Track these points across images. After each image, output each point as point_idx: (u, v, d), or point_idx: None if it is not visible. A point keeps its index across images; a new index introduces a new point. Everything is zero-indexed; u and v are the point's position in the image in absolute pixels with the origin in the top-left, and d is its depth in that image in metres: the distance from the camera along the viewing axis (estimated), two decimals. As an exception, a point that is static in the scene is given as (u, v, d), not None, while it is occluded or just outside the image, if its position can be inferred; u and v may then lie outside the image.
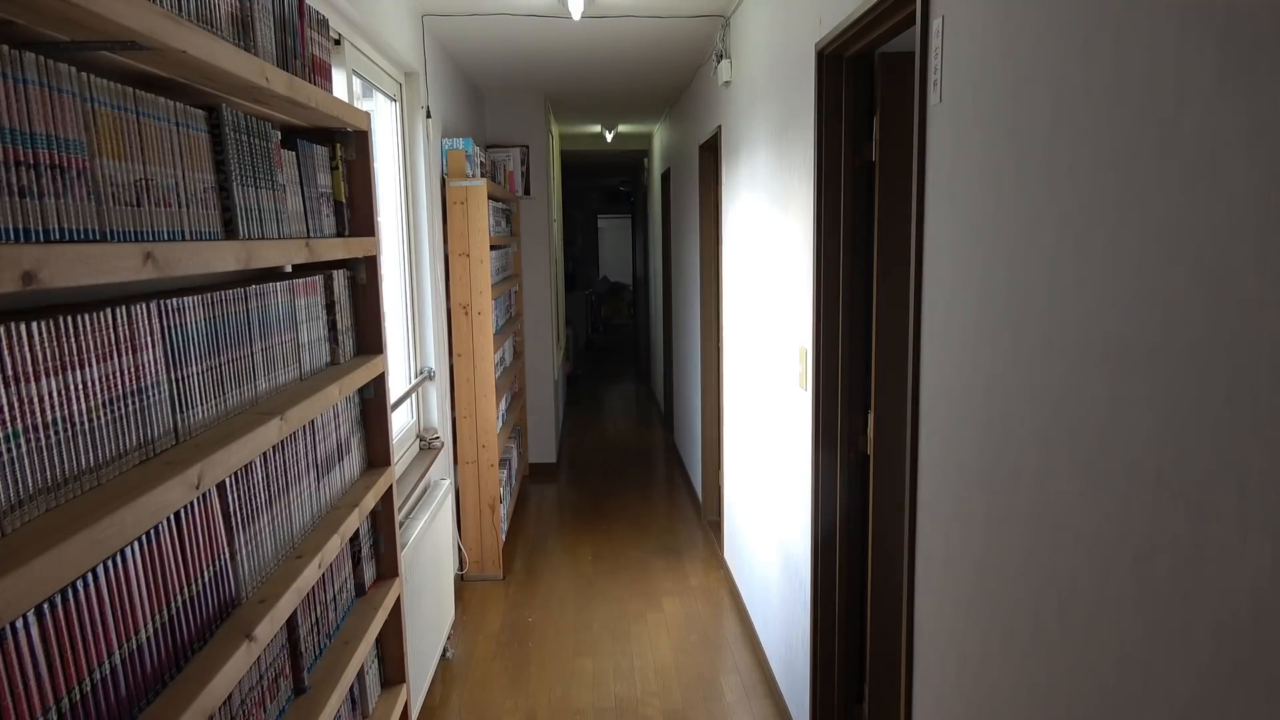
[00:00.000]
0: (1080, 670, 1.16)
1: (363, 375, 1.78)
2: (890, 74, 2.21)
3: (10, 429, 0.80)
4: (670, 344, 7.14)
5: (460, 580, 4.27)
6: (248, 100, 1.44)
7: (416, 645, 2.80)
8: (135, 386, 1.02)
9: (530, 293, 6.16)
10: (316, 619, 1.62)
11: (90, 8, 0.85)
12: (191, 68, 1.16)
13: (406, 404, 3.58)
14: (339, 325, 1.78)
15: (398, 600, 2.05)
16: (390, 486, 2.02)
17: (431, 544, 3.18)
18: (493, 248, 4.37)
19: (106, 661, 0.92)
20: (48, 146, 0.85)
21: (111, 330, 0.98)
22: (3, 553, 0.75)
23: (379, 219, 2.01)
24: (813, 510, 2.55)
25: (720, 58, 3.94)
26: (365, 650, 1.74)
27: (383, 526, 2.05)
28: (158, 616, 1.03)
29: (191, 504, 1.13)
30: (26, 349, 0.83)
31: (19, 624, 0.78)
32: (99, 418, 0.95)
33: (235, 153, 1.29)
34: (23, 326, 0.82)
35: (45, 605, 0.82)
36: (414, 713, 2.68)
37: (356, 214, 1.90)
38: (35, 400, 0.84)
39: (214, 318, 1.24)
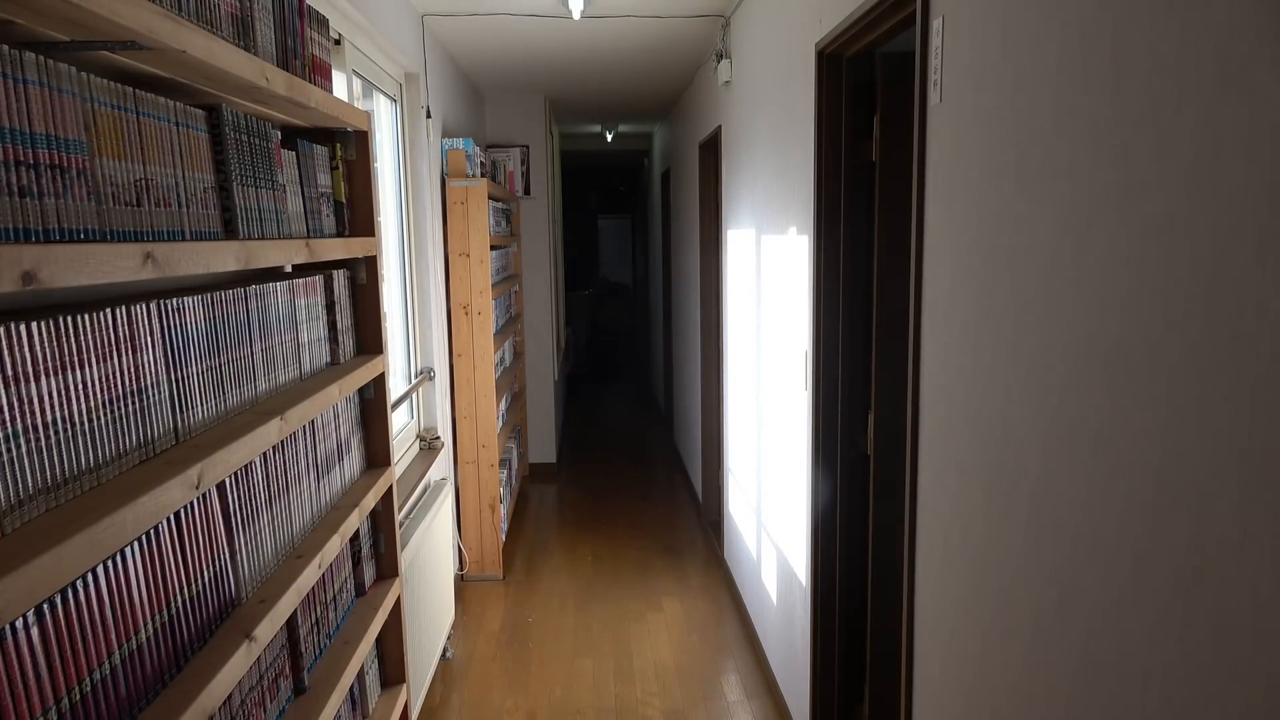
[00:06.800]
0: (1080, 670, 1.16)
1: (363, 375, 1.78)
2: (890, 74, 2.21)
3: (10, 429, 0.80)
4: (670, 344, 7.14)
5: (460, 580, 4.27)
6: (248, 100, 1.44)
7: (416, 645, 2.80)
8: (135, 386, 1.02)
9: (530, 293, 6.16)
10: (316, 619, 1.62)
11: (90, 8, 0.85)
12: (191, 68, 1.16)
13: (406, 404, 3.58)
14: (339, 325, 1.78)
15: (398, 600, 2.05)
16: (390, 486, 2.02)
17: (431, 544, 3.18)
18: (493, 248, 4.37)
19: (106, 662, 0.91)
20: (48, 146, 0.85)
21: (111, 330, 0.98)
22: (3, 553, 0.75)
23: (379, 219, 2.01)
24: (813, 510, 2.55)
25: (720, 58, 3.94)
26: (365, 650, 1.74)
27: (383, 526, 2.05)
28: (158, 616, 1.03)
29: (191, 504, 1.13)
30: (26, 349, 0.83)
31: (19, 624, 0.78)
32: (99, 418, 0.95)
33: (235, 153, 1.29)
34: (23, 326, 0.82)
35: (45, 605, 0.82)
36: (414, 713, 2.68)
37: (356, 214, 1.90)
38: (35, 400, 0.84)
39: (214, 318, 1.24)
